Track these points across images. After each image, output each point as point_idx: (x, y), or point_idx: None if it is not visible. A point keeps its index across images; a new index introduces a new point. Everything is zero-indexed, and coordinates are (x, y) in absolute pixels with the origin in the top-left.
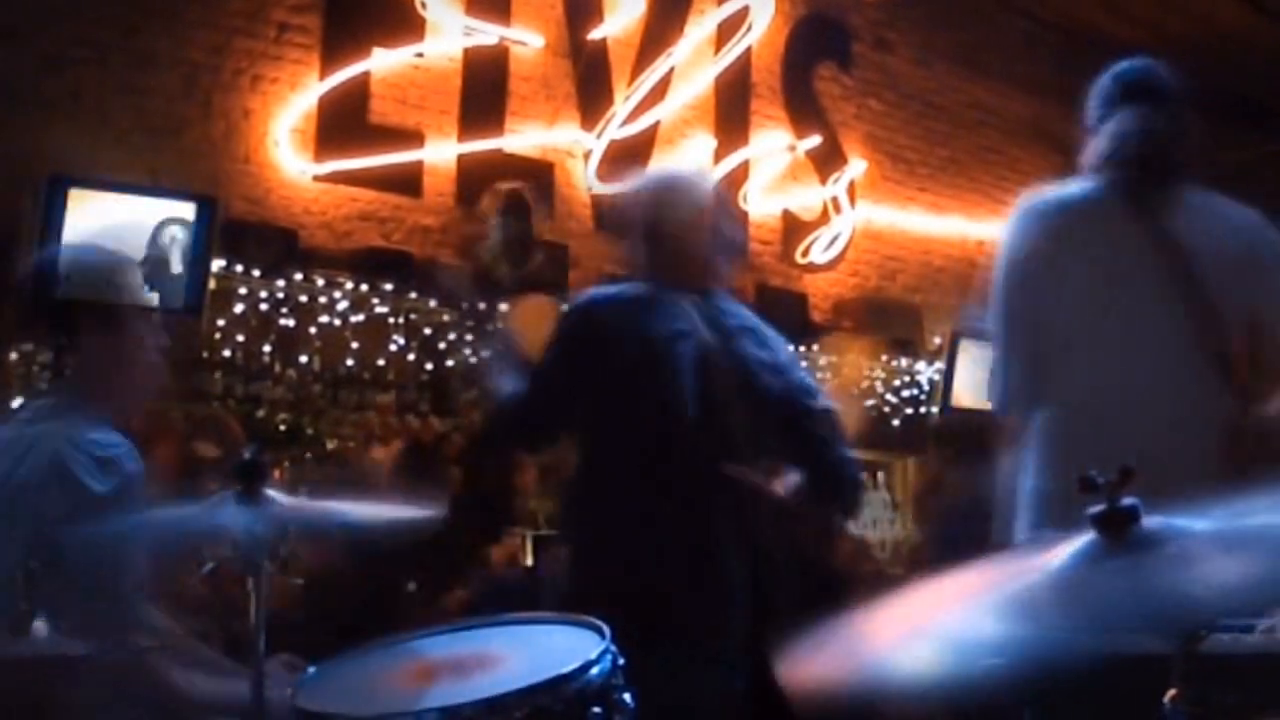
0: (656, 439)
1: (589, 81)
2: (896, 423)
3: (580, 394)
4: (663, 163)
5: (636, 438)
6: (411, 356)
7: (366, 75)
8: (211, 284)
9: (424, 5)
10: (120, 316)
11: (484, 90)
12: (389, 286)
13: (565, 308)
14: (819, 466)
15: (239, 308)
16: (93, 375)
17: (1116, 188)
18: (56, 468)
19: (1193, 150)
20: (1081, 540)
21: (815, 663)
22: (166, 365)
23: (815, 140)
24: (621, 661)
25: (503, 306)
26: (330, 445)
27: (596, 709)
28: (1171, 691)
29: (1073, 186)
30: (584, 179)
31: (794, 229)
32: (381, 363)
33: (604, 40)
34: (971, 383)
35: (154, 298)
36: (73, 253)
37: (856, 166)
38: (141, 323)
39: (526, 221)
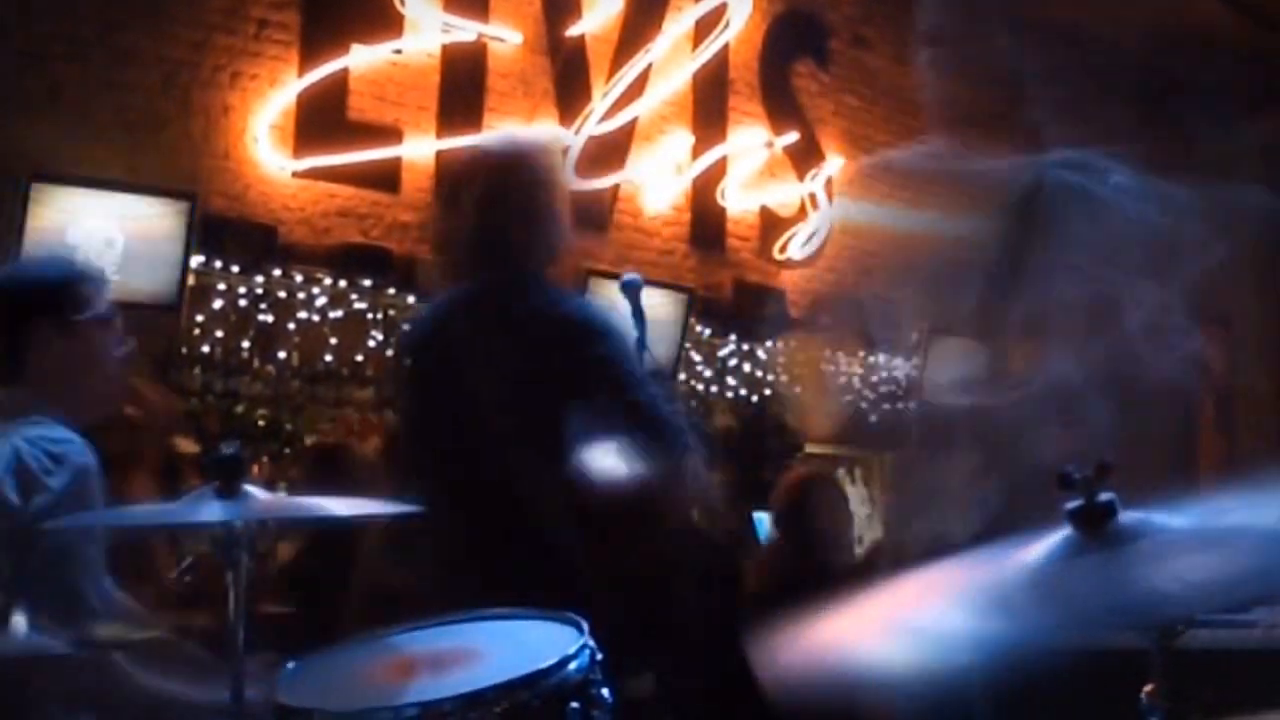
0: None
1: (567, 78)
2: (873, 418)
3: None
4: (500, 132)
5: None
6: (389, 352)
7: (345, 72)
8: (190, 280)
9: (402, 2)
10: (76, 330)
11: (462, 87)
12: (367, 282)
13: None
14: (638, 431)
15: (218, 303)
16: (45, 385)
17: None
18: (12, 465)
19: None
20: (1058, 535)
21: (791, 657)
22: (127, 374)
23: (792, 136)
24: (600, 656)
25: None
26: (309, 441)
27: (575, 704)
28: (1148, 686)
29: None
30: (562, 175)
31: (771, 225)
32: (360, 358)
33: (582, 37)
34: (946, 378)
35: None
36: (31, 266)
37: (834, 163)
38: (99, 334)
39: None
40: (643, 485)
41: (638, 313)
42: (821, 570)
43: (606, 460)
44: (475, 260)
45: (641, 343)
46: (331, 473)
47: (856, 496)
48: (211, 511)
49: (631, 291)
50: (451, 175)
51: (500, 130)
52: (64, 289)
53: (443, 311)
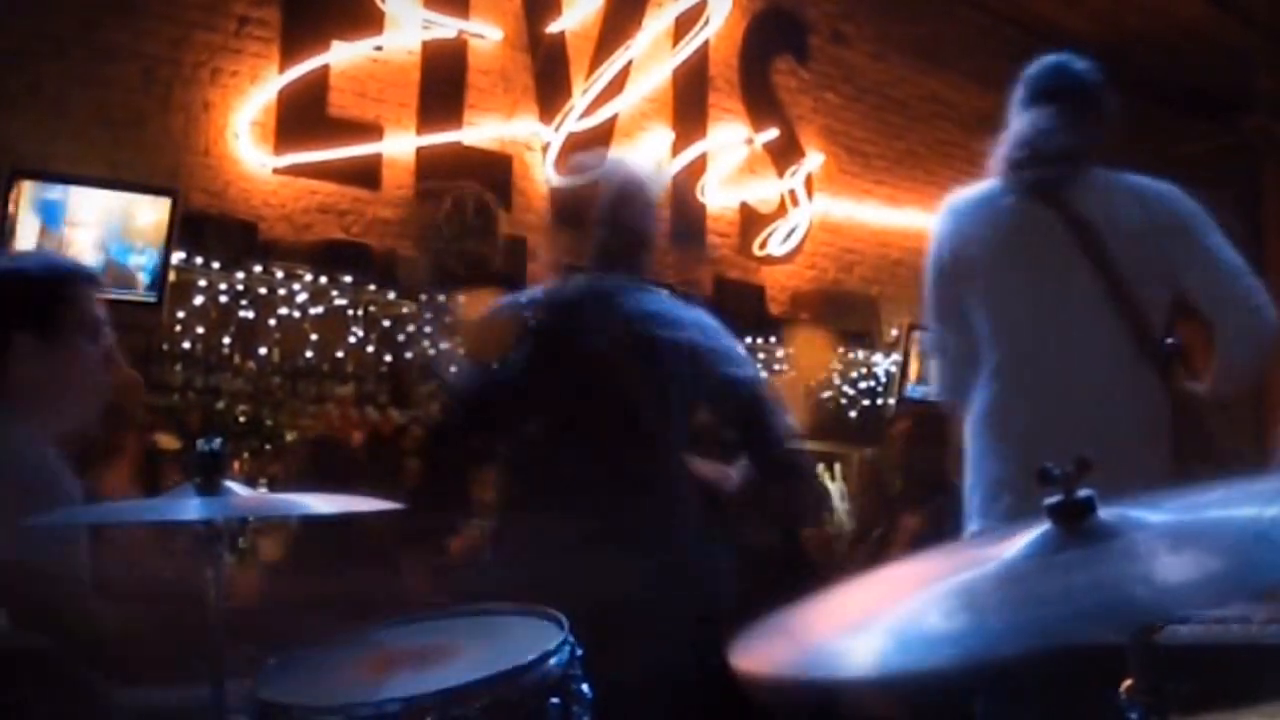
0: (575, 438)
1: (547, 75)
2: (853, 414)
3: (527, 399)
4: (618, 154)
5: (557, 437)
6: (370, 349)
7: (325, 68)
8: (171, 276)
9: None
10: (60, 343)
11: (442, 83)
12: (348, 279)
13: (520, 307)
14: (750, 443)
15: (198, 300)
16: (23, 399)
17: (1023, 183)
18: None
19: (1103, 137)
20: (1037, 531)
21: (768, 652)
22: (112, 380)
23: (772, 133)
24: (580, 652)
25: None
26: (289, 437)
27: (555, 699)
28: (1127, 682)
29: (986, 185)
30: (542, 172)
31: (751, 221)
32: (340, 355)
33: (562, 33)
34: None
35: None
36: (15, 270)
37: (814, 159)
38: (84, 346)
39: (489, 223)
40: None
41: None
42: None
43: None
44: (604, 265)
45: None
46: (322, 466)
47: (836, 491)
48: (192, 508)
49: None
50: (610, 186)
51: (620, 156)
52: (50, 298)
53: (574, 298)
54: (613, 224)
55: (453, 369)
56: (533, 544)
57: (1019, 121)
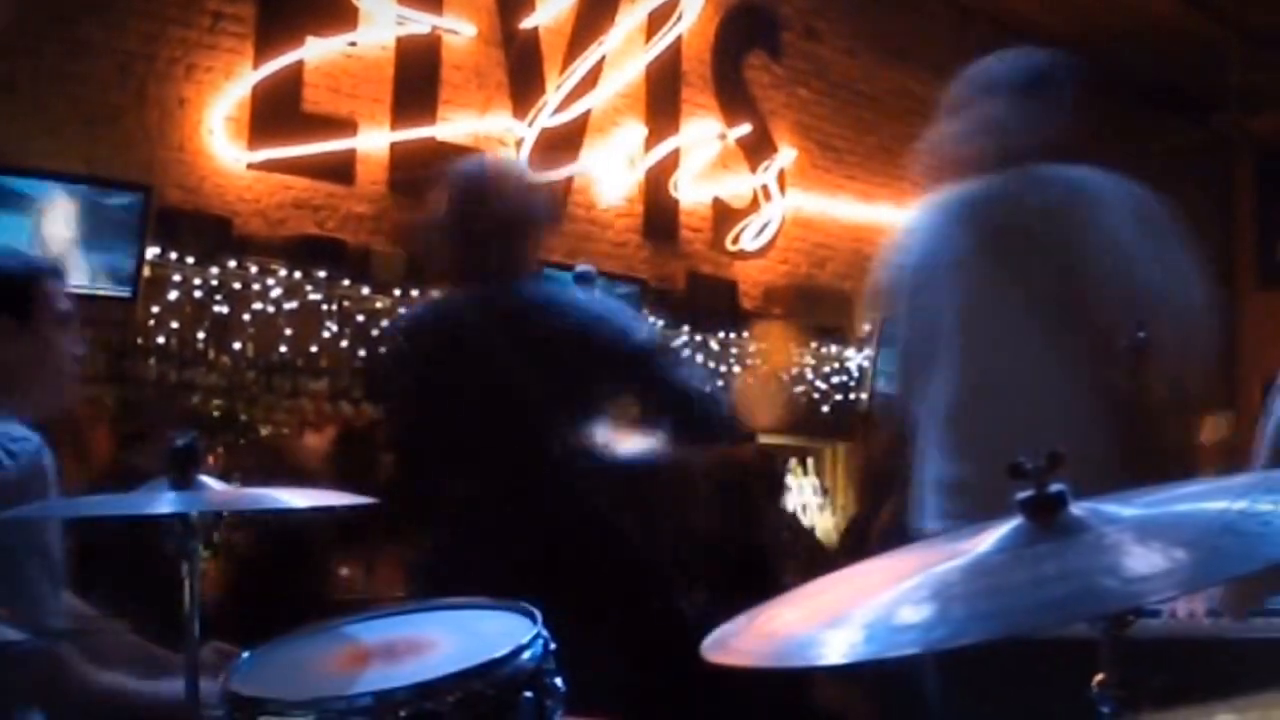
0: (470, 457)
1: (521, 70)
2: (826, 409)
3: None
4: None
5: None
6: (344, 343)
7: (300, 64)
8: (146, 271)
9: None
10: (34, 329)
11: (416, 79)
12: (322, 274)
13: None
14: (665, 407)
15: (173, 295)
16: (3, 373)
17: (980, 183)
18: None
19: (1064, 129)
20: (1008, 525)
21: (742, 644)
22: (80, 370)
23: (745, 128)
24: (553, 646)
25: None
26: (264, 431)
27: (528, 693)
28: (1099, 675)
29: (950, 186)
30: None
31: (724, 217)
32: (314, 349)
33: (535, 29)
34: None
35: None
36: None
37: (786, 155)
38: (57, 333)
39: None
40: (677, 461)
41: None
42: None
43: (643, 441)
44: (482, 265)
45: None
46: (281, 468)
47: (808, 486)
48: (166, 502)
49: (585, 283)
50: (452, 193)
51: (481, 157)
52: (23, 286)
53: (456, 308)
54: (462, 228)
55: None
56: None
57: (977, 115)
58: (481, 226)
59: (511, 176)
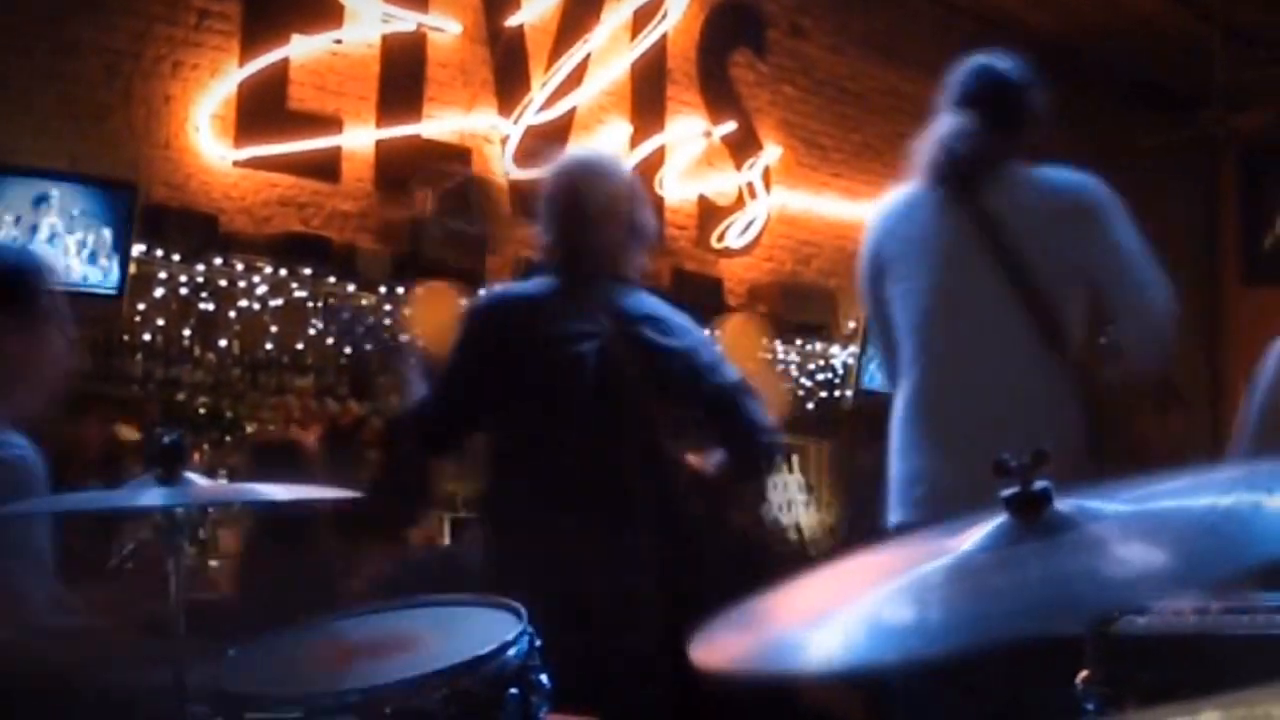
0: (558, 434)
1: (506, 68)
2: (811, 406)
3: (483, 402)
4: (579, 147)
5: (540, 435)
6: (330, 340)
7: (285, 62)
8: (132, 268)
9: None
10: (28, 328)
11: (402, 77)
12: (308, 271)
13: (466, 307)
14: (733, 440)
15: (159, 292)
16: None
17: (939, 184)
18: None
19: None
20: (994, 523)
21: (727, 644)
22: (72, 366)
23: (730, 126)
24: (539, 643)
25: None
26: (249, 428)
27: (514, 690)
28: (1084, 672)
29: (910, 186)
30: (501, 165)
31: (709, 214)
32: (300, 347)
33: (521, 27)
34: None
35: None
36: None
37: (771, 152)
38: (50, 331)
39: (469, 213)
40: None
41: None
42: None
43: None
44: (591, 265)
45: None
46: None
47: (794, 483)
48: (152, 498)
49: None
50: (558, 186)
51: (586, 146)
52: (18, 285)
53: (555, 293)
54: (574, 218)
55: (411, 363)
56: (510, 541)
57: (940, 124)
58: (630, 226)
59: (630, 182)
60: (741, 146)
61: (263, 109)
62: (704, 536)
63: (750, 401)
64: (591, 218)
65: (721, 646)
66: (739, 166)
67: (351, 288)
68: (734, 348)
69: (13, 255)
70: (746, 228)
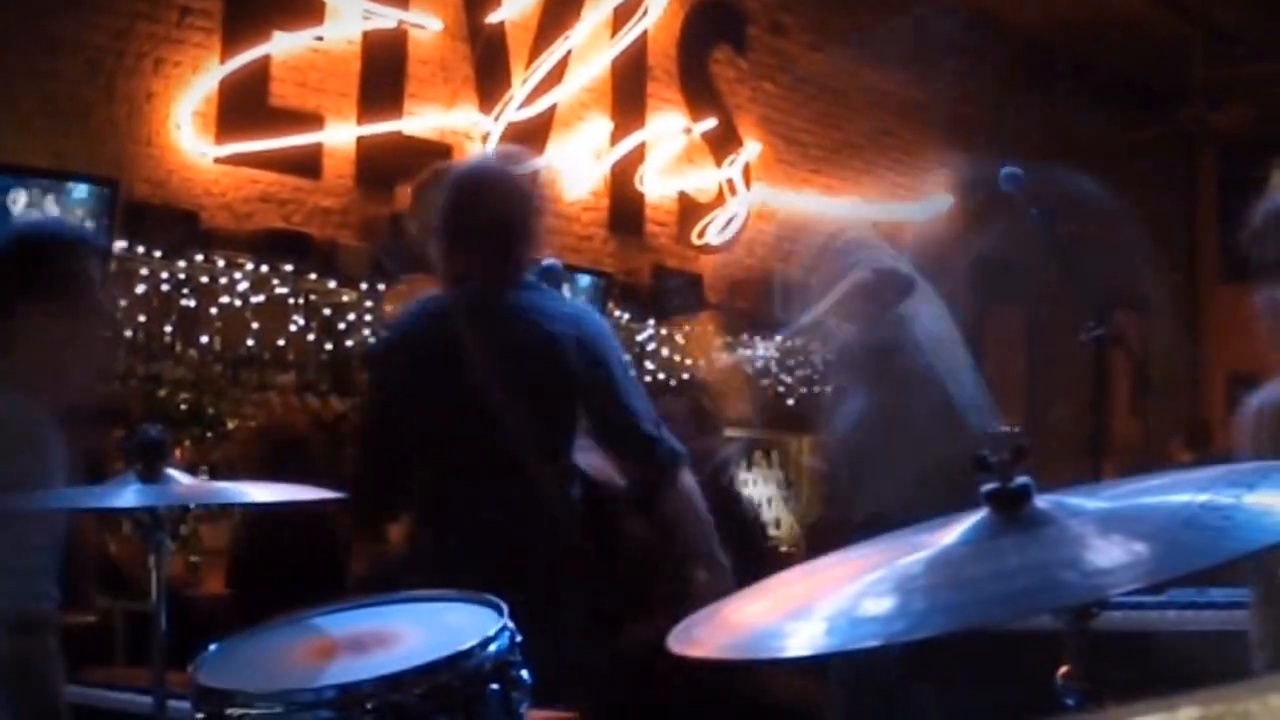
0: (460, 449)
1: (487, 65)
2: (791, 402)
3: (408, 441)
4: (471, 157)
5: (445, 454)
6: (311, 337)
7: (267, 59)
8: (114, 265)
9: None
10: (71, 315)
11: (383, 73)
12: (289, 267)
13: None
14: (618, 440)
15: (140, 288)
16: (35, 359)
17: (444, 304)
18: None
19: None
20: (974, 518)
21: (707, 637)
22: (112, 354)
23: (711, 123)
24: (519, 639)
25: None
26: (231, 425)
27: (494, 686)
28: (1064, 667)
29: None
30: None
31: (690, 210)
32: (281, 343)
33: (502, 24)
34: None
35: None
36: (33, 226)
37: (751, 149)
38: (92, 320)
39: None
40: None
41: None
42: None
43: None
44: (472, 268)
45: None
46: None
47: (774, 479)
48: (134, 495)
49: (551, 276)
50: (447, 194)
51: (486, 154)
52: (62, 267)
53: (443, 309)
54: (453, 230)
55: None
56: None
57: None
58: (473, 229)
59: (506, 178)
60: (722, 143)
61: (244, 106)
62: (608, 538)
63: (641, 404)
64: (478, 229)
65: (702, 638)
66: (719, 163)
67: (332, 284)
68: (713, 348)
69: (58, 233)
70: (727, 224)
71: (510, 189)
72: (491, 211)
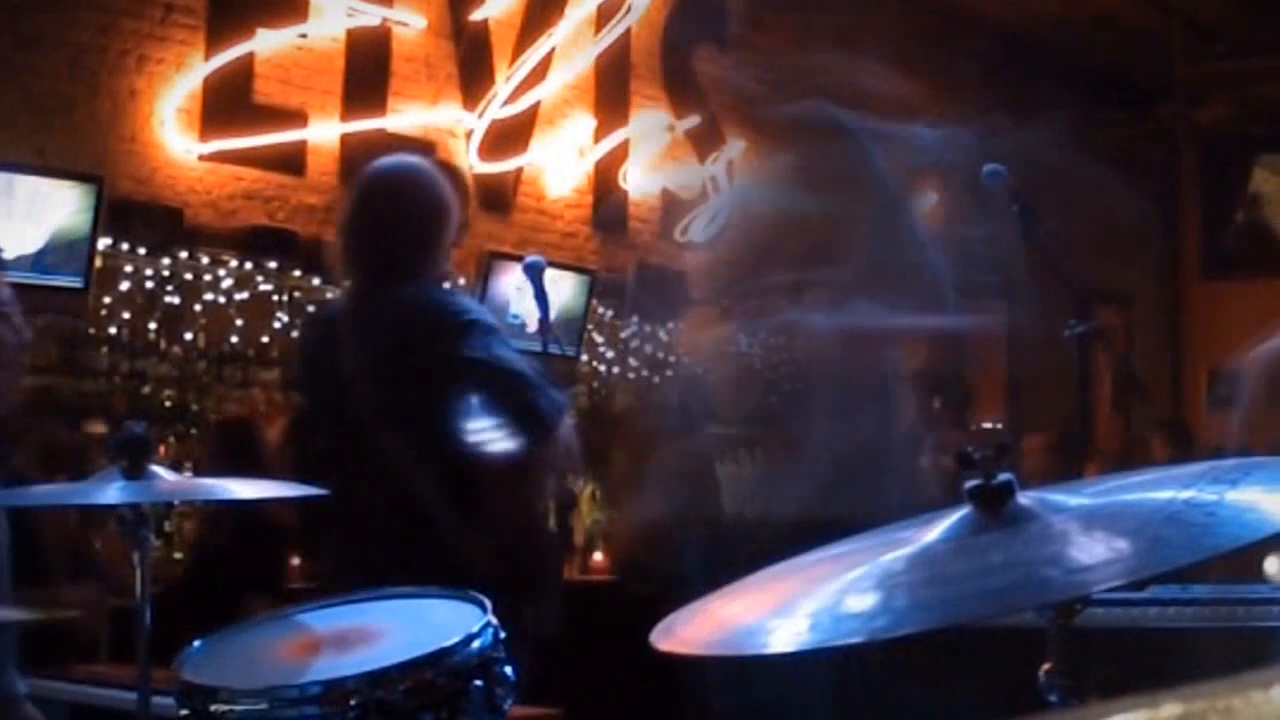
0: (348, 437)
1: (470, 62)
2: (774, 399)
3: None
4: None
5: (335, 444)
6: (295, 334)
7: (251, 56)
8: (98, 261)
9: None
10: None
11: (367, 71)
12: (273, 264)
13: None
14: (511, 412)
15: (125, 285)
16: None
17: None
18: None
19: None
20: (957, 515)
21: (690, 632)
22: (26, 363)
23: (694, 120)
24: (503, 635)
25: None
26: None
27: (478, 682)
28: (1046, 664)
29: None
30: (466, 158)
31: (673, 208)
32: (265, 340)
33: (485, 21)
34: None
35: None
36: None
37: (734, 146)
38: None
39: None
40: (515, 460)
41: (541, 294)
42: None
43: (482, 438)
44: (363, 268)
45: (545, 323)
46: (237, 450)
47: (755, 476)
48: (118, 492)
49: (535, 273)
50: (351, 195)
51: (389, 161)
52: None
53: (337, 312)
54: (359, 230)
55: None
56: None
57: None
58: (360, 230)
59: (410, 184)
60: (705, 140)
61: (228, 103)
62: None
63: (520, 367)
64: (378, 227)
65: (683, 633)
66: (702, 160)
67: (317, 281)
68: (697, 345)
69: None
70: (710, 221)
71: (399, 190)
72: (378, 213)
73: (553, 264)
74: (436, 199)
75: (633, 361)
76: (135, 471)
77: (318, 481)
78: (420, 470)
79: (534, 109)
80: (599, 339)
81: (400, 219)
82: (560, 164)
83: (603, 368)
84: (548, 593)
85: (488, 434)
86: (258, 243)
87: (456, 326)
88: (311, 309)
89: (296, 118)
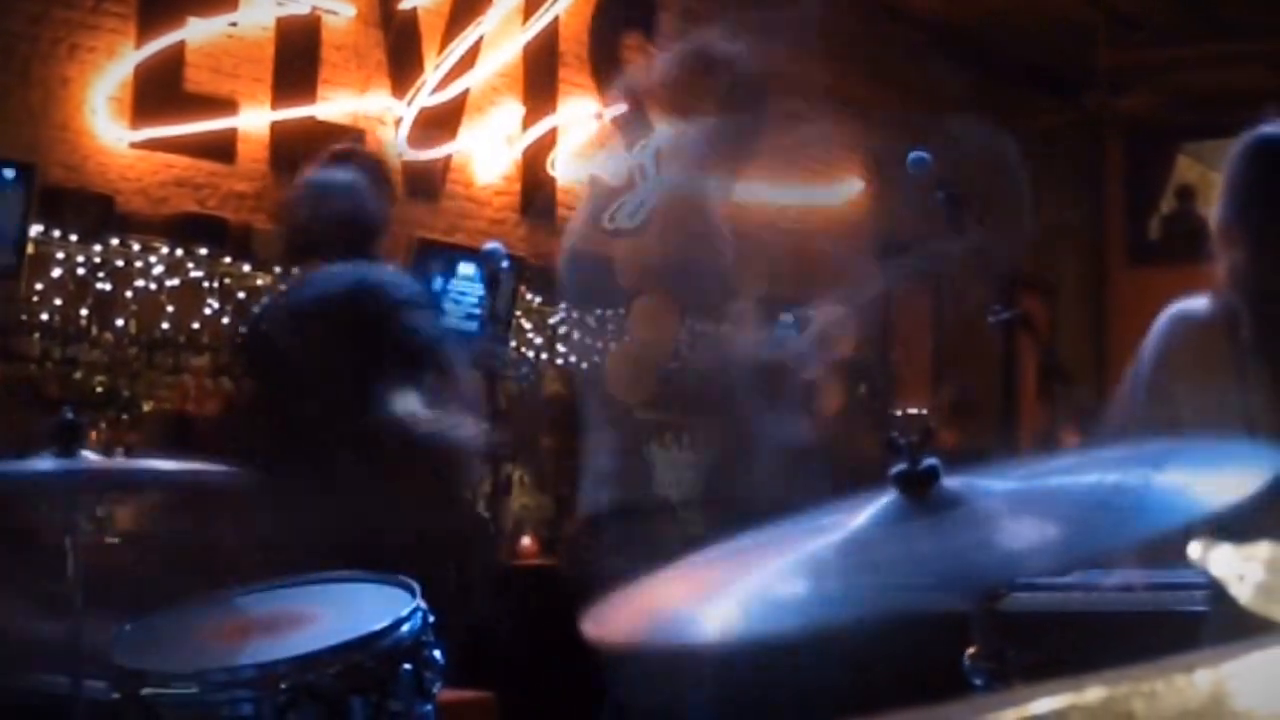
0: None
1: (400, 50)
2: (698, 384)
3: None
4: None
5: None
6: (226, 320)
7: (181, 44)
8: (30, 248)
9: None
10: None
11: (296, 59)
12: (204, 251)
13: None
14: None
15: (56, 272)
16: None
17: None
18: None
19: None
20: (883, 500)
21: (620, 619)
22: None
23: (622, 108)
24: (432, 619)
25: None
26: (146, 407)
27: (407, 666)
28: (971, 649)
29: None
30: (395, 145)
31: (600, 195)
32: (196, 326)
33: (414, 10)
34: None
35: None
36: None
37: (662, 134)
38: None
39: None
40: (440, 438)
41: (494, 281)
42: None
43: (408, 409)
44: (301, 255)
45: (491, 311)
46: (175, 441)
47: (682, 461)
48: (48, 473)
49: (492, 260)
50: (291, 191)
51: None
52: None
53: (280, 295)
54: (291, 216)
55: None
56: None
57: None
58: (313, 217)
59: (350, 182)
60: (632, 128)
61: (159, 91)
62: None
63: (428, 326)
64: (313, 217)
65: (613, 620)
66: (630, 148)
67: (247, 268)
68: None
69: None
70: (638, 208)
71: (350, 184)
72: (310, 206)
73: (475, 250)
74: (367, 196)
75: (561, 348)
76: (66, 456)
77: (257, 462)
78: (347, 438)
79: (463, 97)
80: (527, 325)
81: (342, 218)
82: (489, 151)
83: (531, 354)
84: (477, 575)
85: (414, 406)
86: (188, 230)
87: (393, 299)
88: (241, 295)
89: (227, 106)
